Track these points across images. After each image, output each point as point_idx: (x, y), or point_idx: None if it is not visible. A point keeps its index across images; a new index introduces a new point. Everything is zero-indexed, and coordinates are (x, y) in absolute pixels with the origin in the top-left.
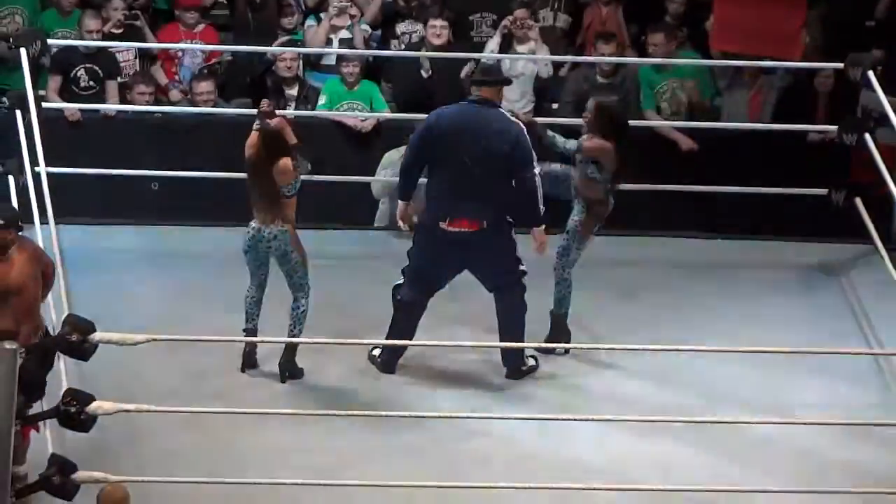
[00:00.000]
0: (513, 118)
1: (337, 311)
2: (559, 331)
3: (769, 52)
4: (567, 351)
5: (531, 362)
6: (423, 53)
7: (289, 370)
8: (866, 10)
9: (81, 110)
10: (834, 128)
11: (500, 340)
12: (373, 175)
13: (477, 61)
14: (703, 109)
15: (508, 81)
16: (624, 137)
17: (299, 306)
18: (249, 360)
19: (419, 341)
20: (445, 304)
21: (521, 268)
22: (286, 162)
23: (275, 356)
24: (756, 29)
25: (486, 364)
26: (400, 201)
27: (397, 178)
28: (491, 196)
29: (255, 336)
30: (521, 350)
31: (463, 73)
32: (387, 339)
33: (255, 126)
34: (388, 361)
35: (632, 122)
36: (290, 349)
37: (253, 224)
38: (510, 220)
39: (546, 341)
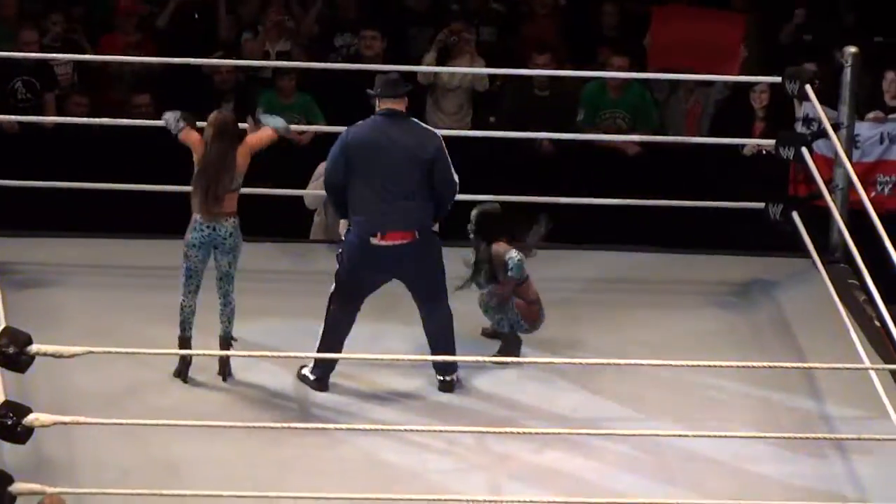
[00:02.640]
0: (428, 126)
1: (273, 323)
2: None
3: (708, 68)
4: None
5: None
6: (358, 66)
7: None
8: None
9: (19, 122)
10: (771, 141)
11: (433, 353)
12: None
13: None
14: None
15: (410, 89)
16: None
17: (229, 302)
18: (185, 373)
19: (355, 354)
20: (374, 313)
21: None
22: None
23: (207, 367)
24: (694, 45)
25: (419, 377)
26: (342, 220)
27: None
28: (419, 205)
29: (190, 345)
30: (454, 363)
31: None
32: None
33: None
34: (321, 379)
35: (570, 136)
36: (227, 344)
37: (203, 223)
38: (436, 229)
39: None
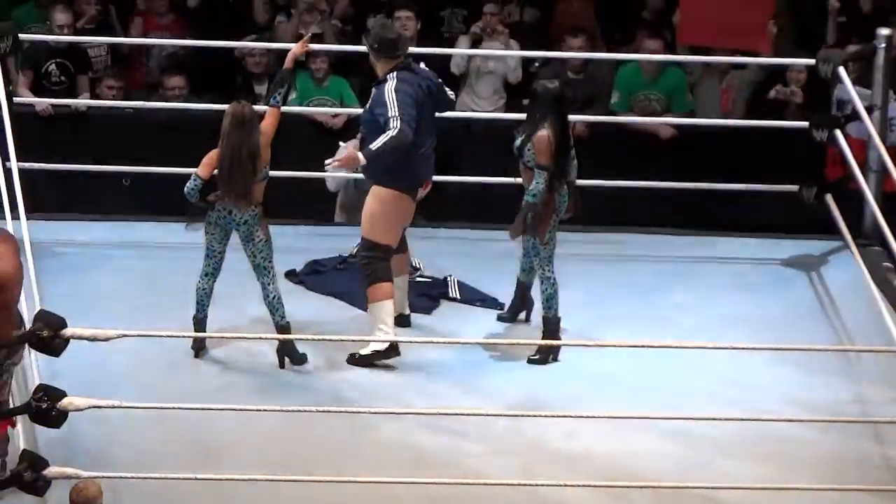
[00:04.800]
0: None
1: (304, 305)
2: (551, 335)
3: (737, 44)
4: (556, 358)
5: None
6: None
7: (288, 354)
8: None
9: (53, 105)
10: (805, 124)
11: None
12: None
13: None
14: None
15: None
16: (562, 123)
17: (269, 293)
18: (198, 352)
19: (391, 337)
20: None
21: None
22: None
23: (222, 347)
24: (723, 22)
25: (453, 357)
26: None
27: (351, 174)
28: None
29: (204, 325)
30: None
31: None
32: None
33: (271, 102)
34: (392, 346)
35: (602, 119)
36: (284, 332)
37: (223, 207)
38: None
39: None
